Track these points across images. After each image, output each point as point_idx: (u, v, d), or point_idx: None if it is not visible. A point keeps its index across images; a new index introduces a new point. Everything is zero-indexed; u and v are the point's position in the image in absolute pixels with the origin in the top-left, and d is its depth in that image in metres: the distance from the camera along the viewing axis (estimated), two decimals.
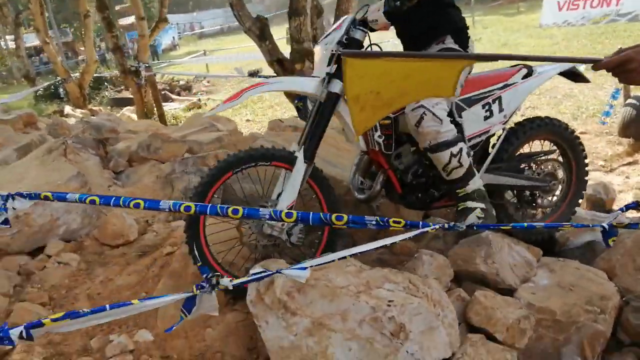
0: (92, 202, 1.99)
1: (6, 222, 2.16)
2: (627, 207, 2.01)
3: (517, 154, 2.86)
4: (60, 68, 12.91)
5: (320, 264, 1.70)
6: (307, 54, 5.30)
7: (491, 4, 28.06)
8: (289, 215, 1.81)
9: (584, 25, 16.51)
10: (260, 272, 1.55)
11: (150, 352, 2.30)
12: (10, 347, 2.32)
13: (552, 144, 2.97)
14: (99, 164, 4.21)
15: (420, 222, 1.96)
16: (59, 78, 13.51)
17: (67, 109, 12.29)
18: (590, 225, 2.24)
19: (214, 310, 1.54)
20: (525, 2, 26.03)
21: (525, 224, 2.35)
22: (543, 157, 2.92)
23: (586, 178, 3.05)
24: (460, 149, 2.39)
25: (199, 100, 12.78)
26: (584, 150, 3.02)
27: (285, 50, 5.67)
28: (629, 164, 5.24)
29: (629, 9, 15.86)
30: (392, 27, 2.65)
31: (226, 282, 1.47)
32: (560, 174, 2.97)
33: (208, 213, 1.85)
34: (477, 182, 2.48)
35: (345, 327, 1.96)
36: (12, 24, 17.27)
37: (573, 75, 2.94)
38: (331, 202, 2.52)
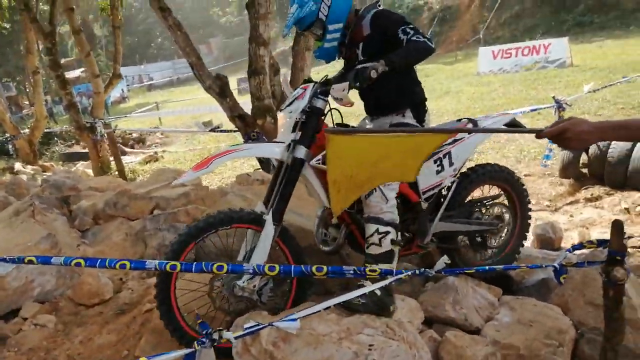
0: (78, 264, 2.06)
1: None
2: (574, 248, 2.26)
3: (467, 200, 3.07)
4: (9, 125, 12.67)
5: (307, 315, 1.83)
6: (267, 109, 5.52)
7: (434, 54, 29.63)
8: (271, 268, 1.94)
9: (517, 72, 17.75)
10: (254, 326, 1.68)
11: None
12: None
13: (498, 188, 3.21)
14: (65, 223, 4.20)
15: (394, 270, 2.14)
16: (7, 135, 13.20)
17: (17, 165, 12.00)
18: (543, 266, 2.48)
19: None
20: (461, 51, 27.69)
21: (487, 267, 2.55)
22: (490, 202, 3.14)
23: (529, 218, 3.29)
24: (387, 232, 2.52)
25: (156, 153, 12.77)
26: (526, 192, 3.26)
27: (242, 102, 5.91)
28: (571, 203, 5.67)
29: (556, 56, 17.28)
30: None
31: (229, 335, 1.58)
32: (507, 216, 3.20)
33: (193, 270, 1.96)
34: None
35: None
36: None
37: (515, 126, 3.18)
38: (296, 254, 2.66)
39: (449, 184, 2.95)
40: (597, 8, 26.68)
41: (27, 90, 37.81)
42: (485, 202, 3.14)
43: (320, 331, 2.19)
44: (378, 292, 2.46)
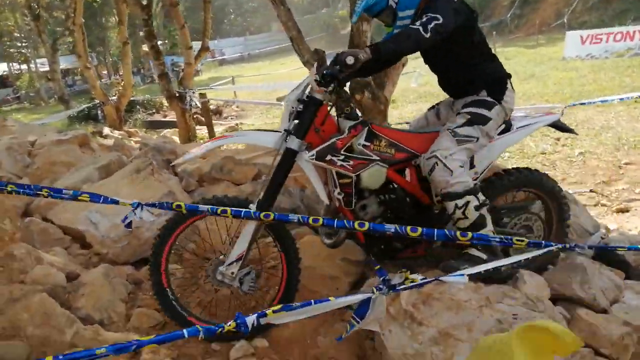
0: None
1: (129, 225, 2.37)
2: None
3: (492, 205, 2.79)
4: (99, 92, 13.36)
5: (478, 272, 1.85)
6: (365, 85, 5.52)
7: (509, 37, 28.52)
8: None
9: (607, 58, 16.79)
10: (423, 279, 1.71)
11: (270, 356, 2.47)
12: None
13: (533, 195, 2.94)
14: (178, 183, 4.42)
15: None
16: (96, 100, 13.94)
17: (106, 130, 12.66)
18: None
19: (381, 314, 1.70)
20: (543, 35, 26.45)
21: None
22: (519, 210, 2.88)
23: (566, 227, 2.99)
24: (467, 202, 2.42)
25: (237, 124, 13.13)
26: (565, 201, 2.96)
27: None
28: None
29: None
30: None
31: (415, 276, 1.62)
32: (537, 226, 2.91)
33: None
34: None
35: (472, 337, 2.11)
36: (49, 49, 17.97)
37: (558, 127, 2.97)
38: (286, 244, 2.60)
39: None
40: None
41: (106, 60, 39.71)
42: (512, 209, 2.89)
43: (460, 297, 2.21)
44: (484, 256, 2.45)
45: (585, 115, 9.14)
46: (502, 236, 2.19)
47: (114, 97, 14.16)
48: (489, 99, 2.59)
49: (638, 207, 5.17)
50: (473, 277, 2.36)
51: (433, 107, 2.98)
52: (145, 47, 28.43)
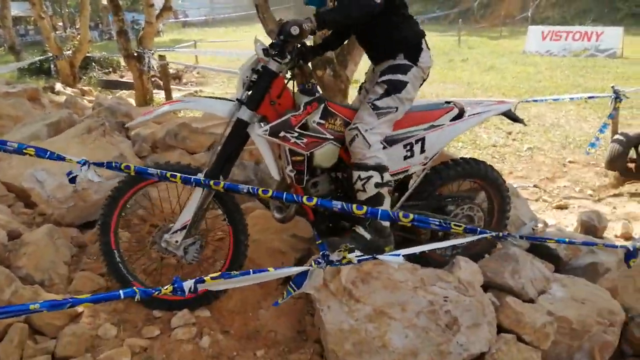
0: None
1: (73, 180, 2.33)
2: None
3: (437, 193, 2.92)
4: (53, 44, 12.80)
5: (410, 253, 1.93)
6: (328, 61, 5.52)
7: (475, 26, 28.94)
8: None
9: (565, 56, 17.35)
10: (361, 256, 1.78)
11: (211, 326, 2.52)
12: (80, 312, 2.51)
13: (476, 185, 3.03)
14: (130, 146, 4.35)
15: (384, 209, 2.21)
16: (50, 54, 13.35)
17: (58, 86, 12.17)
18: (618, 246, 2.56)
19: (316, 287, 1.78)
20: (507, 28, 26.98)
21: (566, 240, 2.60)
22: (462, 200, 2.96)
23: (506, 219, 3.10)
24: (369, 177, 2.47)
25: (195, 92, 12.86)
26: (507, 194, 3.07)
27: None
28: (615, 195, 5.69)
29: (608, 46, 16.83)
30: None
31: (351, 256, 1.69)
32: (478, 217, 2.99)
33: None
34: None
35: (404, 316, 2.23)
36: None
37: (509, 117, 3.05)
38: (232, 215, 2.63)
39: (417, 171, 2.83)
40: None
41: (62, 11, 37.81)
42: (456, 198, 2.97)
43: (397, 277, 2.32)
44: (367, 236, 2.51)
45: (538, 111, 9.47)
46: (441, 219, 2.30)
47: (68, 52, 13.56)
48: (404, 62, 2.61)
49: (576, 204, 5.45)
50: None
51: (360, 88, 2.99)
52: (104, 1, 27.32)
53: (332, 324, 2.29)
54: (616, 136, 6.41)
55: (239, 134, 2.48)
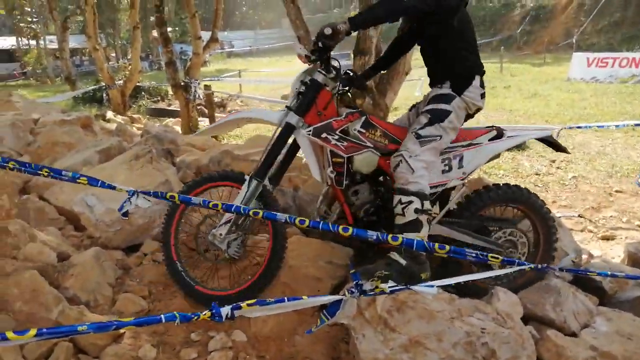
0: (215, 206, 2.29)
1: (126, 214, 2.46)
2: None
3: (480, 214, 2.94)
4: (106, 74, 13.43)
5: (446, 285, 1.93)
6: (369, 90, 5.61)
7: (518, 53, 28.63)
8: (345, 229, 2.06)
9: (611, 83, 16.89)
10: (394, 286, 1.80)
11: (247, 351, 2.55)
12: (122, 333, 2.59)
13: (521, 214, 3.03)
14: (175, 173, 4.50)
15: (421, 239, 2.21)
16: (102, 83, 14.01)
17: (109, 114, 12.73)
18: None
19: (349, 316, 1.79)
20: (551, 54, 26.56)
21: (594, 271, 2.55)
22: (505, 224, 2.96)
23: (553, 250, 3.05)
24: (410, 202, 2.53)
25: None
26: (553, 222, 3.03)
27: None
28: None
29: None
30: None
31: (384, 286, 1.71)
32: (523, 244, 2.98)
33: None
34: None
35: (440, 347, 2.20)
36: (60, 27, 18.03)
37: (551, 144, 3.04)
38: (277, 232, 2.80)
39: (455, 186, 2.88)
40: None
41: (115, 43, 39.74)
42: (499, 220, 2.99)
43: (434, 307, 2.30)
44: (403, 262, 2.52)
45: (583, 138, 9.23)
46: (478, 252, 2.29)
47: (120, 81, 14.22)
48: (449, 91, 2.69)
49: (623, 235, 5.26)
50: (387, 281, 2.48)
51: (414, 106, 3.07)
52: (155, 33, 28.57)
53: (367, 352, 2.28)
54: None
55: (285, 137, 2.69)
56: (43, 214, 3.67)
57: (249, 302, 1.54)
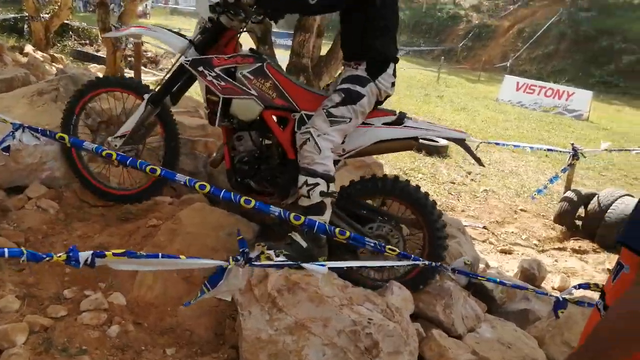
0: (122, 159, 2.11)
1: (7, 149, 2.22)
2: (580, 286, 2.35)
3: (362, 200, 2.83)
4: (31, 4, 12.34)
5: (336, 267, 1.87)
6: (303, 68, 5.49)
7: (456, 66, 29.57)
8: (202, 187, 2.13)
9: (535, 110, 17.85)
10: (284, 261, 1.70)
11: (123, 316, 2.38)
12: None
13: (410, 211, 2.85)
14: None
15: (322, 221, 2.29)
16: (25, 14, 12.88)
17: (28, 47, 11.73)
18: (549, 295, 2.56)
19: (235, 290, 1.68)
20: (486, 73, 27.66)
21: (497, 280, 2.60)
22: (385, 218, 2.79)
23: (441, 256, 2.81)
24: (316, 184, 2.51)
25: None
26: (442, 226, 2.81)
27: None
28: (559, 249, 5.79)
29: (576, 107, 17.41)
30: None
31: (271, 253, 1.60)
32: (397, 242, 2.75)
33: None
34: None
35: (325, 333, 2.14)
36: None
37: (467, 149, 2.85)
38: (170, 131, 3.11)
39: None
40: (627, 72, 26.80)
41: None
42: (376, 212, 2.83)
43: (325, 292, 2.24)
44: (304, 244, 2.52)
45: (500, 156, 9.65)
46: (377, 242, 2.27)
47: (46, 15, 13.11)
48: (364, 75, 2.64)
49: (520, 251, 5.52)
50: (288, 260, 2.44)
51: (327, 85, 3.05)
52: None
53: (251, 330, 2.19)
54: (568, 193, 6.57)
55: (181, 69, 2.79)
56: None
57: (116, 251, 1.38)
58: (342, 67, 2.92)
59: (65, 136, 2.19)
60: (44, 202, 2.94)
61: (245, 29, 2.84)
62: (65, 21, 14.77)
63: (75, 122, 3.15)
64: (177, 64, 2.81)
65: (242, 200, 2.09)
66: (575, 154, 6.38)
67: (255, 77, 2.66)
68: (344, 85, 2.64)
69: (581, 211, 6.43)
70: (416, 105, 14.11)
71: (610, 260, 5.56)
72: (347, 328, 2.13)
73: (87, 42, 16.78)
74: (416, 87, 18.06)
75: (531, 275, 4.73)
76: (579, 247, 5.88)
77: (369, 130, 2.74)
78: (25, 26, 13.79)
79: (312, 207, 2.52)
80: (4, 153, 2.18)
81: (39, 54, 11.76)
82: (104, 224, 2.92)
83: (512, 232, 6.07)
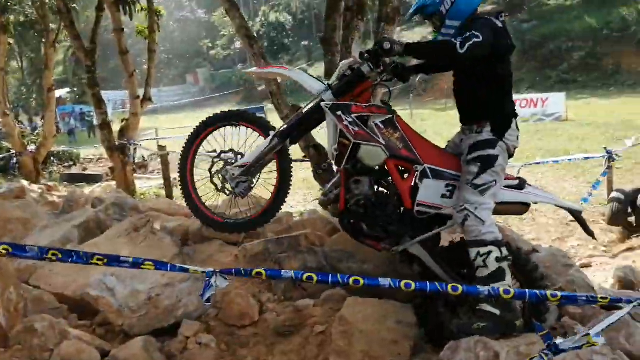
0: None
1: (209, 300, 2.18)
2: None
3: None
4: (17, 141, 12.35)
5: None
6: None
7: (420, 100, 30.51)
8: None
9: None
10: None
11: None
12: None
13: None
14: (172, 242, 4.12)
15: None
16: (13, 151, 12.85)
17: (24, 183, 11.61)
18: None
19: None
20: (450, 99, 28.54)
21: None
22: None
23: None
24: (489, 252, 2.56)
25: (175, 179, 12.58)
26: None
27: None
28: (628, 249, 5.88)
29: (553, 110, 18.09)
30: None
31: (598, 340, 1.59)
32: None
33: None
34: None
35: None
36: None
37: (579, 220, 3.00)
38: (284, 173, 3.09)
39: (443, 216, 2.86)
40: (581, 68, 28.19)
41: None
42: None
43: None
44: (496, 312, 2.55)
45: (524, 173, 9.83)
46: (589, 294, 2.27)
47: (31, 147, 13.11)
48: (491, 136, 2.73)
49: (597, 262, 5.58)
50: (486, 333, 2.45)
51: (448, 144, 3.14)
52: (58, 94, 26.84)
53: None
54: (613, 193, 6.74)
55: (316, 108, 2.85)
56: (41, 304, 3.14)
57: None
58: (458, 136, 3.01)
59: (262, 271, 2.15)
60: (203, 337, 2.87)
61: (380, 81, 2.99)
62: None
63: (196, 150, 3.33)
64: (313, 105, 2.89)
65: (402, 284, 2.06)
66: (611, 156, 6.58)
67: (385, 127, 2.78)
68: (476, 154, 2.71)
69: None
70: None
71: None
72: None
73: (71, 163, 16.78)
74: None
75: (629, 283, 4.76)
76: None
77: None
78: (11, 162, 13.73)
79: (492, 275, 2.55)
80: (207, 304, 2.15)
81: (35, 187, 11.67)
82: (267, 344, 2.86)
83: (579, 245, 6.15)
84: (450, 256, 2.93)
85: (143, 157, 8.30)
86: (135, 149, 8.93)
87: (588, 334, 1.67)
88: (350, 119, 2.72)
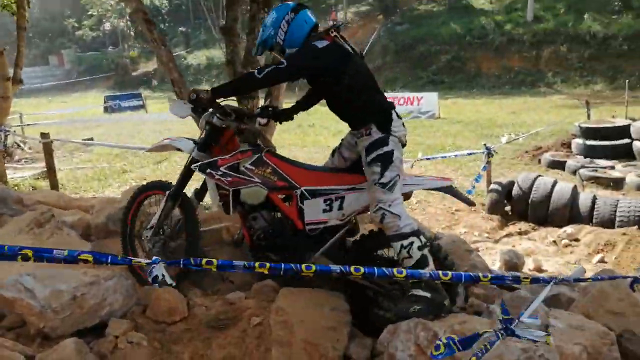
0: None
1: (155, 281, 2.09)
2: None
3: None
4: None
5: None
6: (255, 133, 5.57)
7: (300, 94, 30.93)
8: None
9: None
10: None
11: None
12: None
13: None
14: (77, 234, 3.82)
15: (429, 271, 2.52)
16: None
17: None
18: (622, 276, 3.03)
19: None
20: None
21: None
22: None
23: None
24: (411, 242, 2.74)
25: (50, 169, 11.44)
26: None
27: None
28: (507, 235, 6.58)
29: (427, 109, 19.42)
30: None
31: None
32: None
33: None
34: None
35: None
36: None
37: (454, 194, 3.19)
38: (191, 220, 3.29)
39: (335, 226, 3.08)
40: (447, 70, 30.55)
41: None
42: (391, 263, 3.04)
43: None
44: (428, 294, 2.76)
45: (408, 167, 10.47)
46: (513, 275, 2.54)
47: None
48: (380, 134, 2.84)
49: (483, 247, 6.16)
50: (422, 315, 2.67)
51: (334, 152, 3.27)
52: None
53: None
54: (492, 186, 7.48)
55: (190, 170, 3.18)
56: None
57: None
58: (351, 136, 3.11)
59: (214, 261, 2.11)
60: (133, 335, 2.72)
61: (242, 127, 3.19)
62: None
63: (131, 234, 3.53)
64: (185, 165, 3.21)
65: (352, 269, 2.18)
66: (489, 152, 7.28)
67: (256, 167, 3.04)
68: (374, 154, 2.82)
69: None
70: (299, 137, 14.65)
71: (549, 234, 6.48)
72: (521, 356, 2.37)
73: None
74: (285, 123, 18.55)
75: (514, 264, 5.36)
76: (520, 229, 6.75)
77: (363, 194, 2.97)
78: None
79: (418, 263, 2.73)
80: (154, 285, 2.06)
81: None
82: (202, 339, 2.79)
83: (466, 232, 6.73)
84: (358, 251, 3.13)
85: (17, 144, 7.44)
86: (6, 136, 7.98)
87: (548, 334, 1.88)
88: (220, 172, 3.00)
